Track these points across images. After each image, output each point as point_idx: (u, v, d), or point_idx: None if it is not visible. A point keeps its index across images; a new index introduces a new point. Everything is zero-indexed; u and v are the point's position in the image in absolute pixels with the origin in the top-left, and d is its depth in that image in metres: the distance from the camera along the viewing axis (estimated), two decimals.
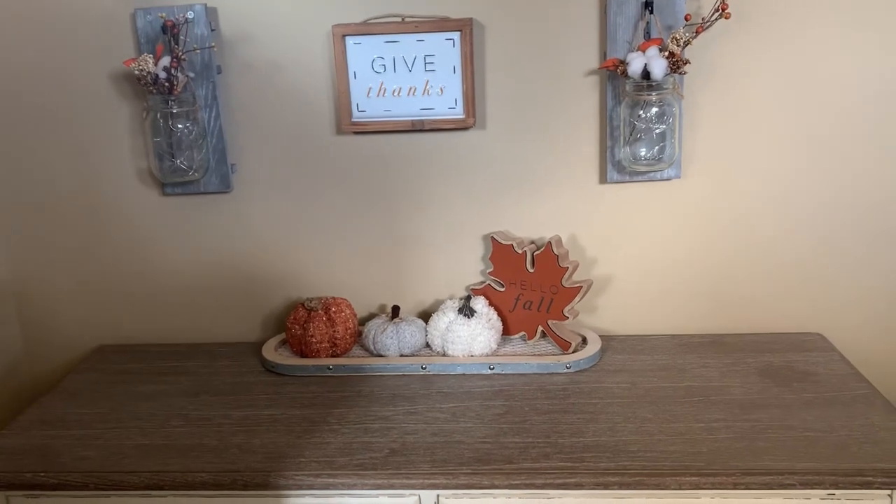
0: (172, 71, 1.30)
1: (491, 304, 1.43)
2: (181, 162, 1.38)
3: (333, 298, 1.43)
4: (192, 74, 1.36)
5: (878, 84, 1.35)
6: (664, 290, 1.48)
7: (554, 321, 1.40)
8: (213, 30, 1.37)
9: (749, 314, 1.48)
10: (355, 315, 1.44)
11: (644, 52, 1.27)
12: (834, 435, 1.12)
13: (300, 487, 1.09)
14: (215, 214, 1.49)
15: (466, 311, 1.39)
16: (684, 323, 1.49)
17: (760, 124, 1.38)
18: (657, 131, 1.31)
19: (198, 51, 1.33)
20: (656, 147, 1.33)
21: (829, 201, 1.41)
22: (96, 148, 1.46)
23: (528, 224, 1.47)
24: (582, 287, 1.37)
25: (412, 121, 1.39)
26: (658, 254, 1.46)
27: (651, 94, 1.28)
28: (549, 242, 1.37)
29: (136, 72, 1.30)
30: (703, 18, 1.27)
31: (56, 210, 1.50)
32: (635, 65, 1.26)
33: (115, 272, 1.53)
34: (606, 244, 1.46)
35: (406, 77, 1.37)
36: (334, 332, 1.39)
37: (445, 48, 1.35)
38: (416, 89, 1.37)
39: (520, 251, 1.40)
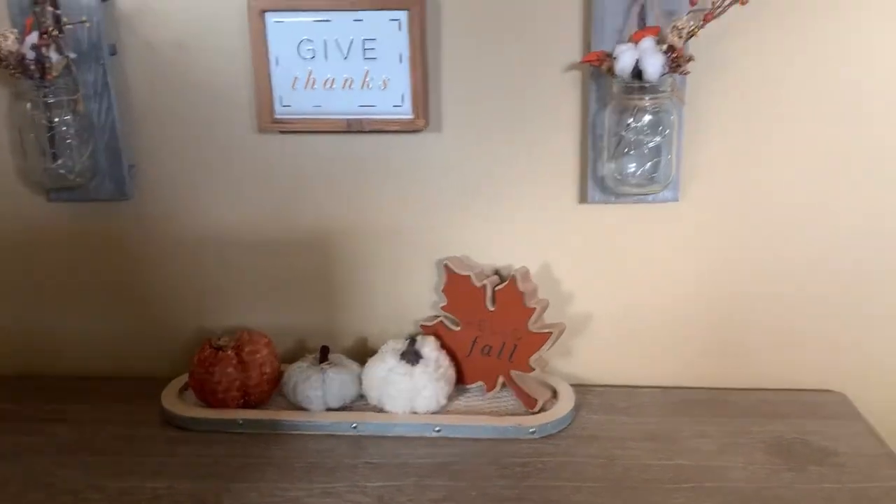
0: (43, 50, 1.04)
1: (443, 345, 1.18)
2: (60, 164, 1.12)
3: (249, 334, 1.17)
4: (73, 55, 1.09)
5: None
6: (654, 333, 1.23)
7: (518, 372, 1.14)
8: (104, 0, 1.10)
9: (757, 365, 1.23)
10: (276, 355, 1.19)
11: (637, 43, 1.01)
12: None
13: None
14: (111, 226, 1.23)
15: (410, 356, 1.14)
16: (678, 373, 1.24)
17: (776, 138, 1.13)
18: (650, 145, 1.05)
19: (69, 25, 1.06)
20: (649, 163, 1.07)
21: (856, 230, 1.17)
22: None
23: (492, 249, 1.21)
24: (552, 334, 1.11)
25: (348, 120, 1.13)
26: (648, 289, 1.21)
27: (643, 99, 1.02)
28: (514, 276, 1.12)
29: None
30: (713, 3, 1.00)
31: None
32: (624, 60, 0.99)
33: None
34: (586, 276, 1.21)
35: (340, 66, 1.11)
36: (247, 377, 1.13)
37: (389, 31, 1.08)
38: (352, 81, 1.11)
39: (479, 284, 1.14)
